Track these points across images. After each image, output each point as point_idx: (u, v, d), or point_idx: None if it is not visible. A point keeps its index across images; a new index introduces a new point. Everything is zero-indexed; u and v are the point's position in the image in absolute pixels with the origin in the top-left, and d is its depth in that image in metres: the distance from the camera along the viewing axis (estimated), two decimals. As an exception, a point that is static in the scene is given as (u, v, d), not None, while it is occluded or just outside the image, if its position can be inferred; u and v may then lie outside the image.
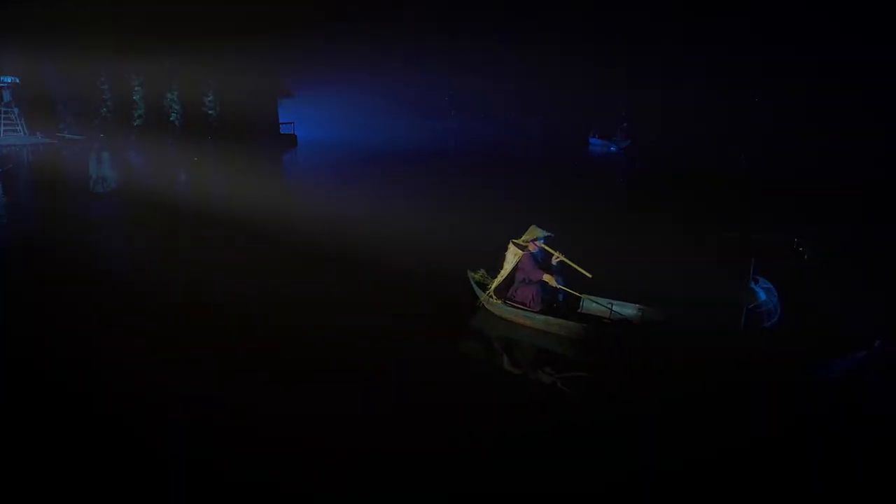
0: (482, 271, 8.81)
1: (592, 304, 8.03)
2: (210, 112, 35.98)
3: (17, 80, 31.13)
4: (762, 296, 7.26)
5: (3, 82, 30.70)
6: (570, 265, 7.92)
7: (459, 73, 53.23)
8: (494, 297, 8.20)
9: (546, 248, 8.10)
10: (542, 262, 8.09)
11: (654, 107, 45.80)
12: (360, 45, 46.90)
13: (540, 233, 8.09)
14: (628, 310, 7.87)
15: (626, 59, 53.67)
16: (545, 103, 54.04)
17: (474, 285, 8.59)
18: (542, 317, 7.72)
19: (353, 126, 44.20)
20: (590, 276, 7.72)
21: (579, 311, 8.05)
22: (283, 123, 38.26)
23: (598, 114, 42.54)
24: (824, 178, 22.61)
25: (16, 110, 30.93)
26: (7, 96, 30.88)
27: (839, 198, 18.33)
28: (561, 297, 8.05)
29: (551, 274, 7.92)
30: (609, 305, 7.93)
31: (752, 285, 7.32)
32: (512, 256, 8.12)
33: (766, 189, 20.74)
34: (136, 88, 34.22)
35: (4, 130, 30.55)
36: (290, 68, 38.82)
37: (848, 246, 12.27)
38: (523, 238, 8.16)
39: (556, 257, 7.97)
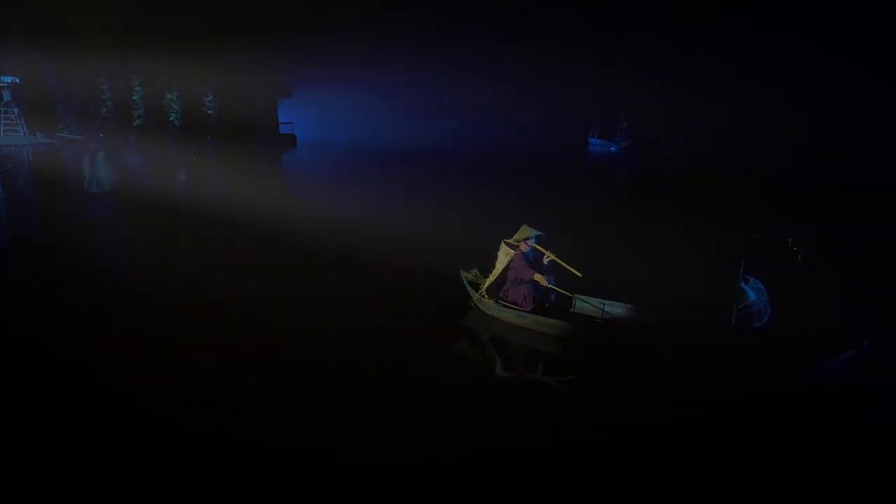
0: (475, 271, 8.89)
1: (584, 304, 8.10)
2: (209, 112, 36.04)
3: (17, 80, 31.15)
4: (752, 296, 7.38)
5: (3, 82, 30.70)
6: (560, 264, 7.99)
7: (459, 73, 53.26)
8: (487, 296, 8.27)
9: (537, 247, 8.16)
10: (533, 261, 8.15)
11: (654, 107, 45.85)
12: (360, 46, 46.94)
13: (531, 232, 8.15)
14: (620, 310, 7.94)
15: (626, 59, 53.72)
16: (545, 103, 54.06)
17: (467, 285, 8.67)
18: (533, 316, 7.80)
19: (352, 126, 44.23)
20: (580, 275, 7.79)
21: (571, 310, 8.12)
22: (282, 123, 38.30)
23: (599, 114, 42.62)
24: (822, 178, 22.69)
25: (16, 110, 30.91)
26: (7, 96, 30.87)
27: (837, 198, 18.41)
28: (553, 296, 8.11)
29: (542, 273, 7.98)
30: (601, 305, 7.99)
31: (743, 285, 7.44)
32: (504, 256, 8.19)
33: (765, 189, 20.82)
34: (135, 88, 34.28)
35: (4, 130, 30.55)
36: (289, 68, 38.82)
37: (843, 246, 12.34)
38: (515, 238, 8.22)
39: (547, 257, 8.04)
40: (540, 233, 8.18)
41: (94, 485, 4.77)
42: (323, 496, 4.70)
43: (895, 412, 6.00)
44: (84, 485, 4.77)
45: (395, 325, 8.06)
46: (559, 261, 7.99)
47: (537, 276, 7.93)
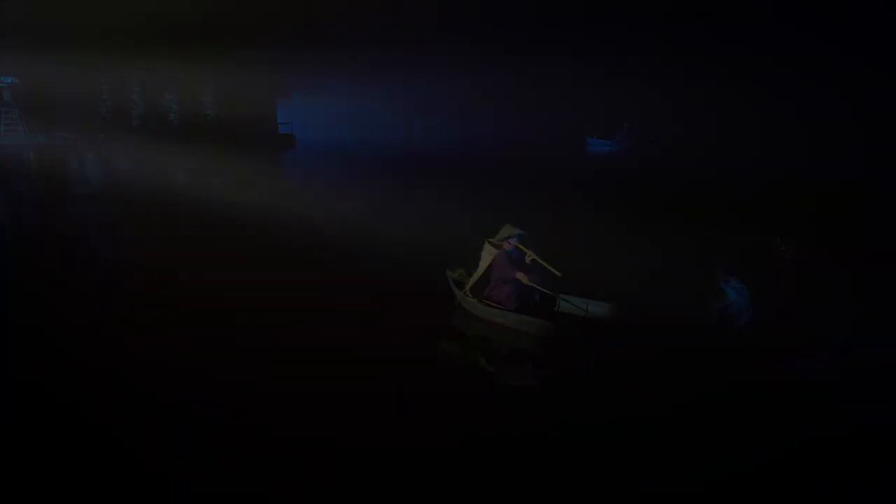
0: (460, 270, 8.94)
1: (568, 304, 8.14)
2: (209, 112, 36.21)
3: (17, 81, 31.32)
4: (732, 296, 7.45)
5: (3, 82, 30.88)
6: (541, 264, 8.01)
7: (459, 73, 53.32)
8: (471, 295, 8.31)
9: (520, 246, 8.18)
10: (516, 260, 8.17)
11: (653, 107, 45.92)
12: (359, 46, 47.05)
13: (513, 231, 8.18)
14: (602, 309, 7.99)
15: (626, 59, 53.74)
16: (544, 103, 54.12)
17: (452, 284, 8.72)
18: (516, 315, 7.81)
19: (351, 126, 44.35)
20: (559, 274, 7.80)
21: (555, 310, 8.16)
22: (281, 124, 38.48)
23: (599, 114, 42.72)
24: (821, 178, 22.71)
25: (16, 110, 31.10)
26: (7, 96, 31.05)
27: (834, 198, 18.46)
28: (537, 296, 8.14)
29: (526, 272, 7.99)
30: (584, 305, 8.05)
31: (723, 285, 7.51)
32: (487, 255, 8.22)
33: (764, 189, 20.88)
34: (135, 89, 34.47)
35: (4, 130, 30.73)
36: (288, 68, 38.95)
37: (833, 246, 12.38)
38: (497, 237, 8.26)
39: (529, 256, 8.06)
40: (522, 232, 8.19)
41: (95, 485, 4.78)
42: (320, 495, 4.74)
43: (877, 410, 6.07)
44: (84, 485, 4.78)
45: (380, 324, 8.06)
46: (539, 260, 8.00)
47: (519, 275, 7.93)
